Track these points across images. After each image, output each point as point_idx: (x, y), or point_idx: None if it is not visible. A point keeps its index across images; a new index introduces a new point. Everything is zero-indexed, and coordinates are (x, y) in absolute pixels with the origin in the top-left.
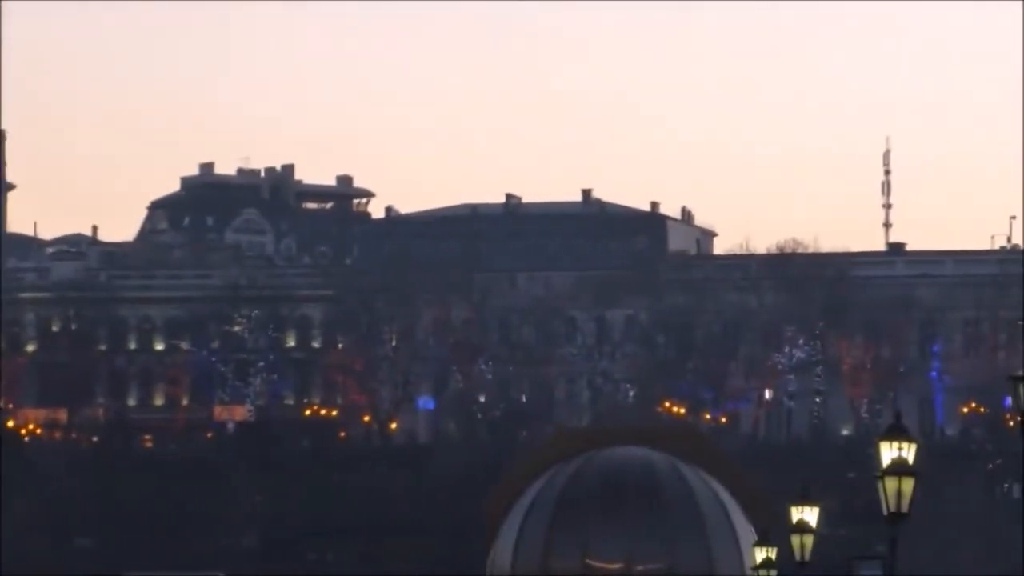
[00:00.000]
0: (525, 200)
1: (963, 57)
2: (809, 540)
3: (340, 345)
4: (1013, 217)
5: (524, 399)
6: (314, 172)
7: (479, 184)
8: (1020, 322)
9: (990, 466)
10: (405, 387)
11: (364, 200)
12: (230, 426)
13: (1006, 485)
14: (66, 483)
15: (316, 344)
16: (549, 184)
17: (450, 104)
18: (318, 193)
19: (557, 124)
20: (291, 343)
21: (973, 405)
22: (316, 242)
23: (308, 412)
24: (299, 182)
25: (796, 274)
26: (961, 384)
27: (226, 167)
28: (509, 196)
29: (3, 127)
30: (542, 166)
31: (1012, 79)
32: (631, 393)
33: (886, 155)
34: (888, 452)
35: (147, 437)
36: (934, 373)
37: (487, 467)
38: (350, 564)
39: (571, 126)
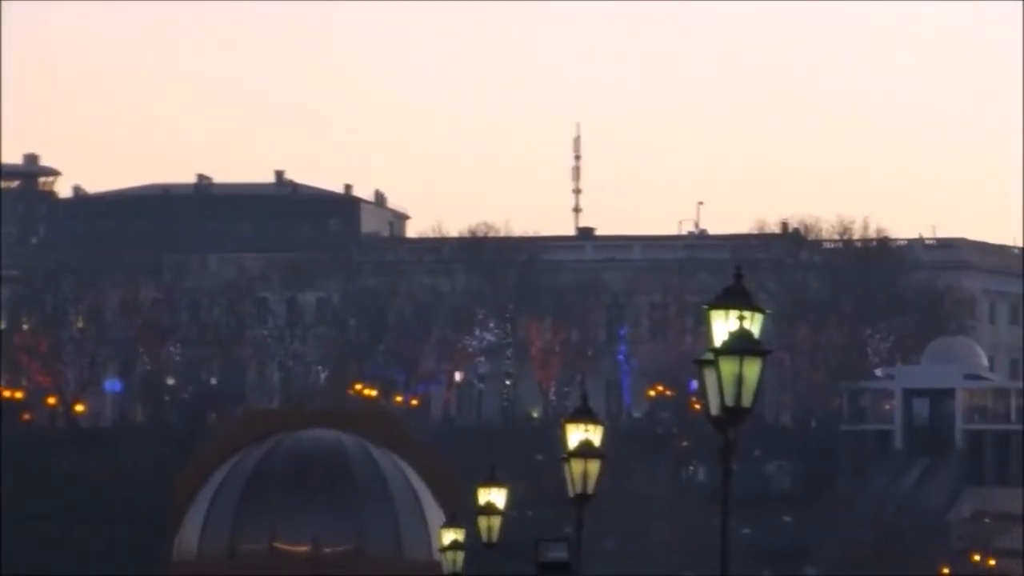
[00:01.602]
0: (217, 181)
1: (655, 46)
2: (496, 522)
3: (25, 326)
4: (700, 203)
5: (214, 381)
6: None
7: (170, 164)
8: (705, 307)
9: (676, 448)
10: (92, 369)
11: (51, 179)
12: None
13: (692, 467)
14: None
15: (1, 325)
16: (241, 165)
17: (141, 82)
18: (3, 171)
19: (250, 105)
20: None
21: (660, 388)
22: (1, 221)
23: None
24: None
25: (487, 258)
26: (648, 367)
27: None
28: (200, 177)
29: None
30: (234, 147)
31: (700, 68)
32: (323, 375)
33: (576, 141)
34: (575, 434)
35: None
36: (621, 356)
37: (176, 450)
38: (34, 551)
39: (264, 107)
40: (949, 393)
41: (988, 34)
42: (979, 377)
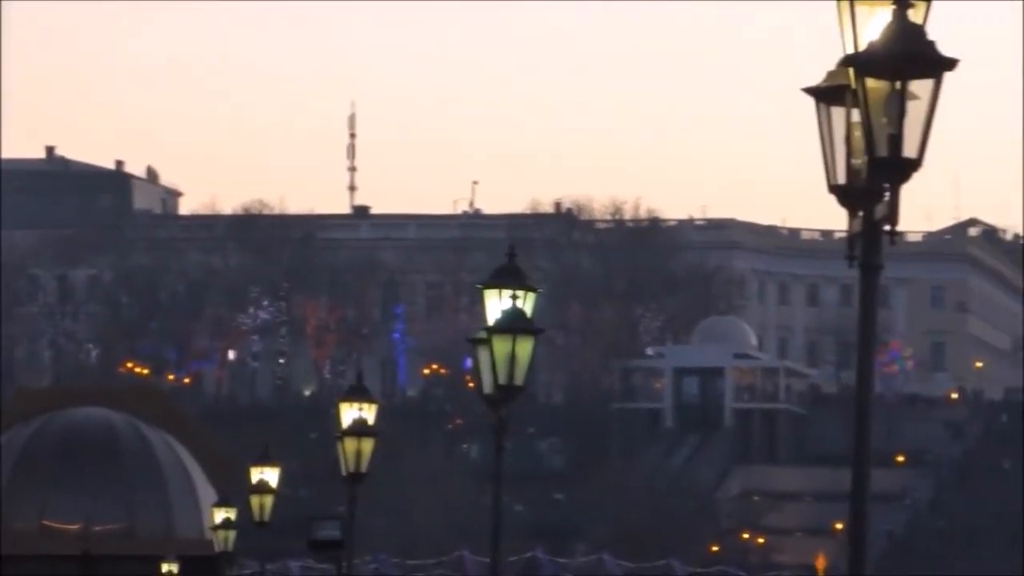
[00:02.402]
0: None
1: (430, 25)
2: (269, 500)
3: None
4: (475, 182)
5: None
6: None
7: None
8: (480, 285)
9: (450, 426)
10: None
11: None
12: None
13: (465, 445)
14: None
15: None
16: (11, 141)
17: None
18: None
19: (19, 80)
20: None
21: (434, 367)
22: None
23: None
24: None
25: (261, 235)
26: (423, 346)
27: None
28: None
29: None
30: (4, 123)
31: (475, 47)
32: (94, 353)
33: (351, 119)
34: (349, 413)
35: None
36: (396, 335)
37: None
38: None
39: (34, 83)
40: (718, 372)
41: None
42: (748, 356)
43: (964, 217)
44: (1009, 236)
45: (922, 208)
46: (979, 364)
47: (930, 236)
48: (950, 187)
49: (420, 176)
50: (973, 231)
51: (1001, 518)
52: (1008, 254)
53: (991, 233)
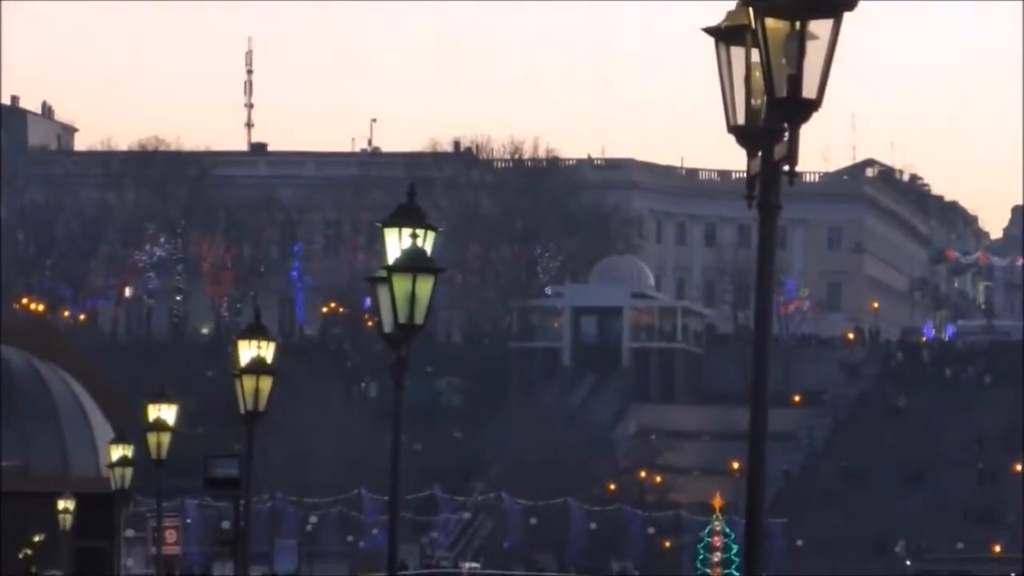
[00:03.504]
0: None
1: None
2: (166, 438)
3: None
4: (374, 120)
5: None
6: None
7: None
8: (379, 224)
9: (348, 365)
10: None
11: None
12: None
13: (363, 384)
14: None
15: None
16: None
17: None
18: None
19: None
20: None
21: (333, 305)
22: None
23: None
24: None
25: (158, 172)
26: (321, 284)
27: None
28: None
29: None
30: None
31: None
32: None
33: (248, 55)
34: (246, 351)
35: None
36: (295, 273)
37: None
38: None
39: None
40: (616, 312)
41: None
42: (646, 296)
43: (861, 158)
44: (906, 177)
45: (819, 149)
46: (875, 304)
47: (827, 177)
48: (847, 128)
49: (318, 113)
50: (870, 172)
51: (897, 457)
52: (905, 195)
53: (888, 174)
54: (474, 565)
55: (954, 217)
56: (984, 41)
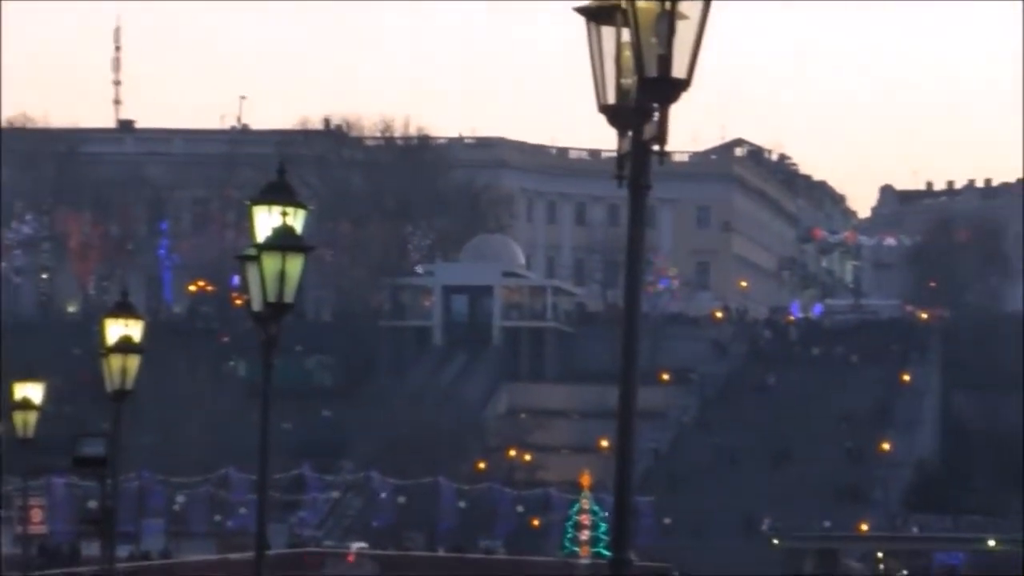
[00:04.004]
0: None
1: None
2: (33, 417)
3: None
4: (243, 97)
5: None
6: None
7: None
8: (247, 202)
9: (217, 344)
10: None
11: None
12: None
13: (232, 362)
14: None
15: None
16: None
17: None
18: None
19: None
20: None
21: (201, 283)
22: None
23: None
24: None
25: (25, 149)
26: (190, 262)
27: None
28: None
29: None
30: None
31: None
32: None
33: (116, 32)
34: (114, 329)
35: None
36: (163, 251)
37: None
38: None
39: None
40: (487, 290)
41: None
42: (516, 275)
43: (730, 137)
44: (775, 156)
45: (688, 128)
46: (744, 283)
47: (696, 156)
48: (716, 108)
49: (187, 91)
50: (739, 151)
51: (765, 435)
52: (773, 174)
53: (757, 153)
54: (362, 545)
55: (822, 197)
56: (851, 23)
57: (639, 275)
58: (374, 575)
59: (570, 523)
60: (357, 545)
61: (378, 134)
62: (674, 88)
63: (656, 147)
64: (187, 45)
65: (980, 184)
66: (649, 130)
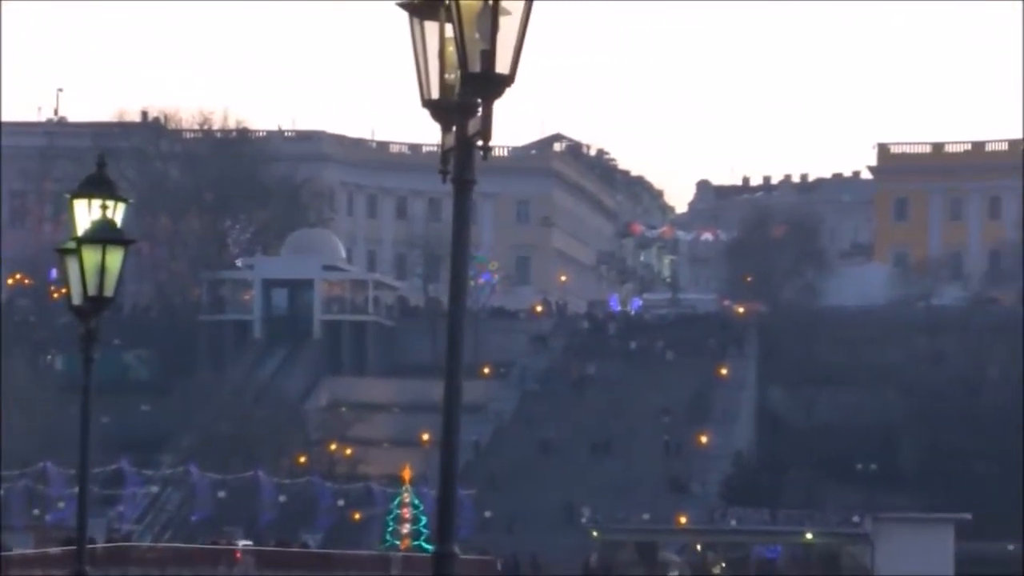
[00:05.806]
0: None
1: None
2: None
3: None
4: (60, 89)
5: None
6: None
7: None
8: (68, 195)
9: (34, 337)
10: None
11: None
12: None
13: (50, 356)
14: None
15: None
16: None
17: None
18: None
19: None
20: None
21: (19, 276)
22: None
23: None
24: None
25: None
26: (7, 255)
27: None
28: None
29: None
30: None
31: None
32: None
33: None
34: None
35: None
36: None
37: None
38: None
39: None
40: (308, 284)
41: None
42: (337, 268)
43: (549, 132)
44: (593, 152)
45: (508, 123)
46: (563, 277)
47: (516, 151)
48: (536, 103)
49: (2, 82)
50: (558, 146)
51: (585, 428)
52: (592, 169)
53: (576, 148)
54: (247, 543)
55: (640, 192)
56: (670, 18)
57: (464, 270)
58: (257, 574)
59: (391, 517)
60: (243, 543)
61: (197, 126)
62: (498, 84)
63: (480, 142)
64: (3, 36)
65: (796, 179)
66: (473, 125)
